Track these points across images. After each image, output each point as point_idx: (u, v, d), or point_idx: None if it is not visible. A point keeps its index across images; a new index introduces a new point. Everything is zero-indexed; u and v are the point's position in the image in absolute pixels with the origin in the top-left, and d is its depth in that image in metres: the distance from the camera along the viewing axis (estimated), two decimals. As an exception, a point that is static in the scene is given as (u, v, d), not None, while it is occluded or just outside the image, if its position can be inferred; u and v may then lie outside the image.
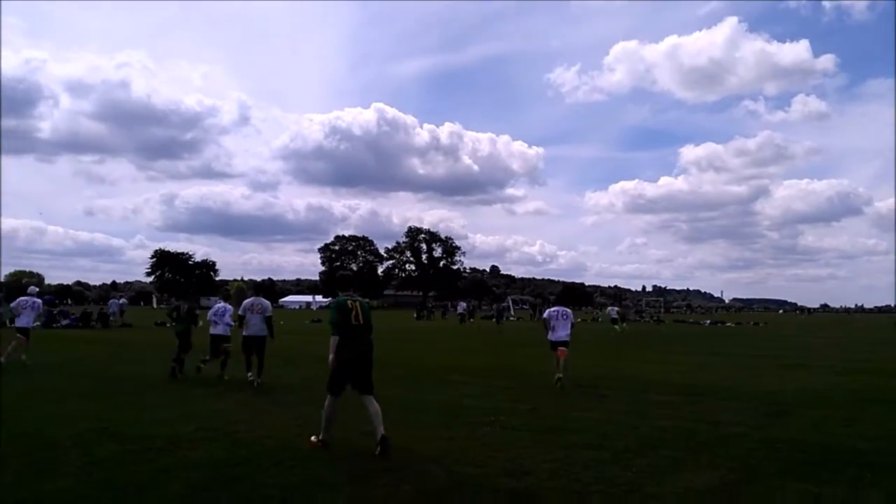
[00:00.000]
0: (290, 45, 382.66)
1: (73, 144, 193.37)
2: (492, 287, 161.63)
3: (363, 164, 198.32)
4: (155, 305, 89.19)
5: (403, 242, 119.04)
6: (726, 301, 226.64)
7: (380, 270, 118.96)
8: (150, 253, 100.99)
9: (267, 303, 11.79)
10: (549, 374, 12.46)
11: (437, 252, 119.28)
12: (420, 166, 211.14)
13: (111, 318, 34.57)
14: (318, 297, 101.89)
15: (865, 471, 5.82)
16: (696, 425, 7.96)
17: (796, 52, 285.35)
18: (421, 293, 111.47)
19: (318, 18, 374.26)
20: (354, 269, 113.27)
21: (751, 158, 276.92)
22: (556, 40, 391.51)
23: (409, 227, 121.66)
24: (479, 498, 4.93)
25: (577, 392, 10.81)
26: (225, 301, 12.89)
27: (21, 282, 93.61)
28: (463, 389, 11.07)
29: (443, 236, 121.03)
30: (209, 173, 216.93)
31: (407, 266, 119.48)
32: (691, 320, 60.24)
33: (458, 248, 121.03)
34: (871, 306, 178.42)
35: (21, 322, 14.23)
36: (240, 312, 11.67)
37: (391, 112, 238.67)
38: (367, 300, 7.31)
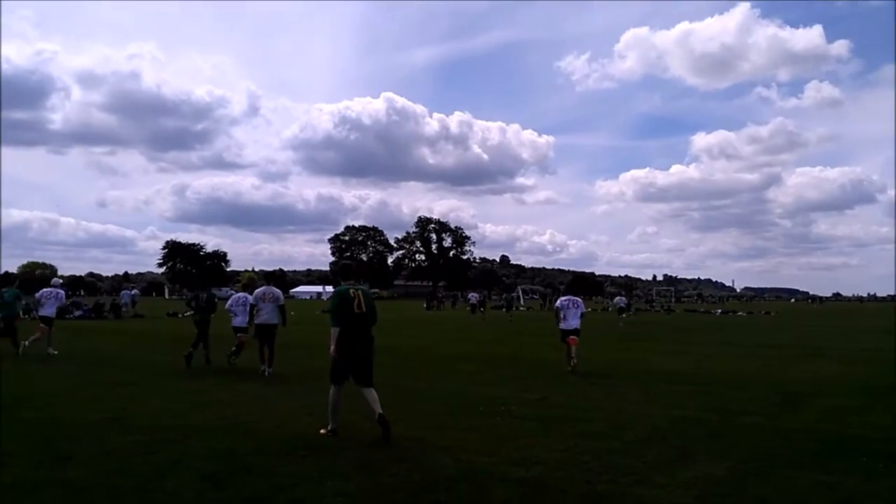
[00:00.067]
0: (299, 35, 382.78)
1: (84, 136, 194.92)
2: (502, 277, 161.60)
3: (373, 154, 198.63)
4: (167, 296, 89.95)
5: (413, 232, 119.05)
6: (738, 290, 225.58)
7: (390, 261, 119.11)
8: (161, 244, 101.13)
9: (279, 292, 11.96)
10: (559, 364, 12.49)
11: (447, 242, 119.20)
12: (430, 156, 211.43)
13: (123, 309, 34.85)
14: (329, 288, 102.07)
15: (879, 461, 5.78)
16: (706, 415, 7.93)
17: (809, 37, 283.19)
18: (431, 283, 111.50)
19: (326, 7, 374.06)
20: (364, 259, 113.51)
21: (763, 146, 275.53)
22: (567, 28, 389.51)
23: (419, 217, 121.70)
24: (489, 487, 4.93)
25: (586, 382, 10.79)
26: (244, 291, 12.91)
27: (34, 273, 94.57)
28: (472, 379, 11.09)
29: (453, 226, 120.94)
30: (220, 164, 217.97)
31: (417, 256, 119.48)
32: (702, 310, 59.97)
33: (468, 238, 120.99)
34: (885, 295, 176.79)
35: (44, 312, 14.51)
36: (251, 301, 11.80)
37: (400, 101, 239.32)
38: (372, 289, 7.33)
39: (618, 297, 36.99)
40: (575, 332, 12.22)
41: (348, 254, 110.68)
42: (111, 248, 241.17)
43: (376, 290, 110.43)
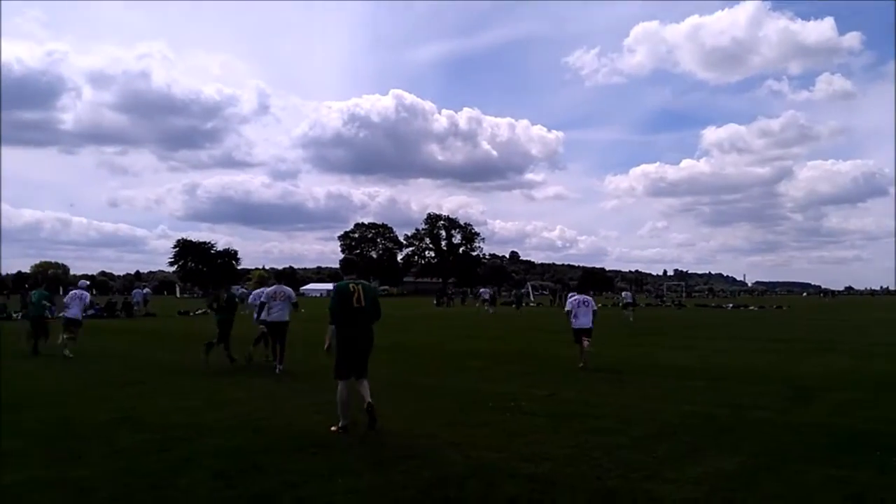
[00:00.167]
0: (308, 33, 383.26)
1: (95, 136, 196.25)
2: (511, 273, 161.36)
3: (382, 152, 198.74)
4: (178, 294, 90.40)
5: (423, 229, 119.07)
6: (749, 285, 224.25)
7: (399, 258, 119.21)
8: (172, 243, 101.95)
9: (290, 290, 12.12)
10: (568, 360, 12.48)
11: (457, 238, 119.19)
12: (439, 152, 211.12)
13: (135, 308, 35.07)
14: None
15: (891, 455, 5.73)
16: (717, 410, 7.89)
17: (821, 30, 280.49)
18: (440, 280, 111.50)
19: (335, 5, 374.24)
20: (374, 256, 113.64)
21: (774, 139, 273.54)
22: (575, 22, 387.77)
23: (429, 213, 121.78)
24: (498, 483, 4.93)
25: (596, 377, 10.77)
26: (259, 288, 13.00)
27: (47, 272, 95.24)
28: (482, 375, 11.10)
29: (462, 222, 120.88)
30: (230, 162, 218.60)
31: (426, 253, 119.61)
32: (713, 304, 59.69)
33: (478, 235, 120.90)
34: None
35: (69, 314, 14.66)
36: (262, 299, 11.91)
37: (409, 98, 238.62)
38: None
39: (624, 293, 36.85)
40: (587, 330, 12.22)
41: (358, 251, 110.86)
42: (123, 248, 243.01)
43: (386, 286, 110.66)
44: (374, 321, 6.97)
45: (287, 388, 9.57)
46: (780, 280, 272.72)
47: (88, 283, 16.83)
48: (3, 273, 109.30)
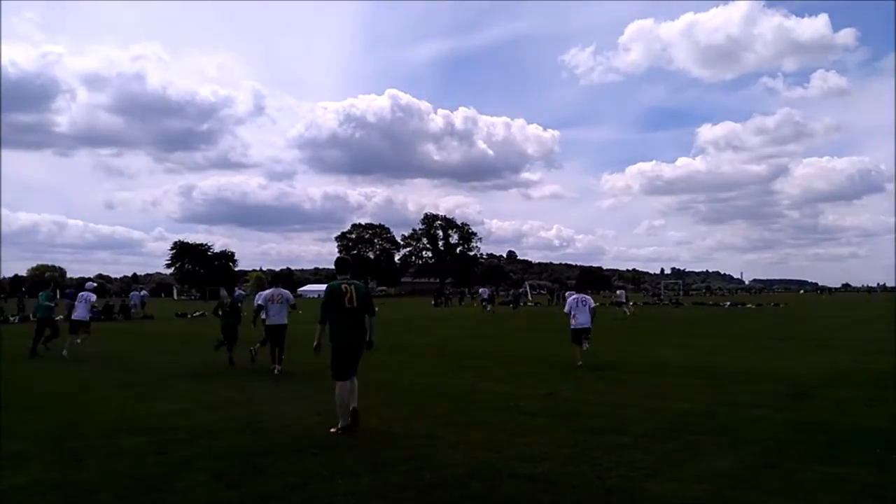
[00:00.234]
0: (303, 33, 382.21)
1: (90, 138, 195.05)
2: (509, 272, 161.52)
3: (378, 152, 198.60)
4: (175, 297, 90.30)
5: (420, 229, 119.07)
6: (746, 282, 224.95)
7: (397, 258, 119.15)
8: (169, 245, 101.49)
9: (287, 293, 12.18)
10: (567, 360, 12.50)
11: (454, 238, 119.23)
12: (435, 152, 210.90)
13: (132, 310, 35.04)
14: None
15: (892, 452, 5.74)
16: (716, 408, 7.91)
17: (815, 26, 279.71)
18: (438, 280, 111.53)
19: (330, 5, 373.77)
20: (371, 257, 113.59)
21: (770, 137, 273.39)
22: (570, 21, 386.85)
23: (425, 213, 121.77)
24: (498, 483, 4.93)
25: (594, 376, 10.78)
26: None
27: (44, 276, 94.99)
28: (480, 375, 11.10)
29: (459, 222, 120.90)
30: (226, 164, 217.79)
31: (423, 253, 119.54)
32: (711, 302, 59.74)
33: (475, 234, 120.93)
34: (894, 285, 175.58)
35: (76, 315, 15.01)
36: (260, 302, 11.91)
37: (405, 98, 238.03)
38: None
39: (619, 291, 36.97)
40: (586, 330, 12.31)
41: (355, 251, 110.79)
42: (119, 250, 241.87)
43: (384, 287, 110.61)
44: (370, 317, 6.99)
45: (286, 390, 9.57)
46: (778, 277, 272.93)
47: (95, 285, 17.18)
48: (2, 276, 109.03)
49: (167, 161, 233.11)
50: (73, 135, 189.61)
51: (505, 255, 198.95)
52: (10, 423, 7.25)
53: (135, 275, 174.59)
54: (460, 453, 5.81)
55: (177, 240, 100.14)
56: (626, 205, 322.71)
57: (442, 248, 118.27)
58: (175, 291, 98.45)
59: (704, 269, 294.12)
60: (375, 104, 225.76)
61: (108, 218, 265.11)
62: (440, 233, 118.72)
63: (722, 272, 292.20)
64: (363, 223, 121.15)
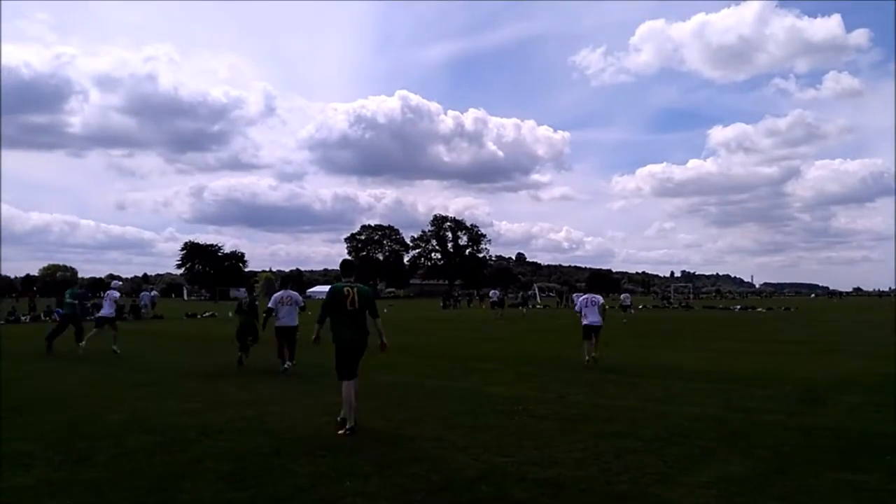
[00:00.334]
0: (314, 34, 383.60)
1: (103, 139, 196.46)
2: (518, 275, 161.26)
3: (388, 153, 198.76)
4: (186, 297, 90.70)
5: (429, 231, 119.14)
6: (757, 286, 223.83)
7: (406, 259, 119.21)
8: (180, 245, 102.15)
9: (297, 295, 12.29)
10: (576, 362, 12.49)
11: (463, 240, 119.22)
12: (445, 154, 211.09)
13: (143, 310, 35.19)
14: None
15: (903, 459, 5.68)
16: (727, 413, 7.85)
17: (828, 27, 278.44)
18: (447, 282, 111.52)
19: (340, 6, 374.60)
20: (381, 258, 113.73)
21: (781, 138, 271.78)
22: (581, 22, 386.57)
23: (435, 215, 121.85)
24: (508, 487, 4.91)
25: (604, 379, 10.73)
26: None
27: (55, 275, 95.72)
28: (489, 378, 11.07)
29: (468, 224, 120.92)
30: (236, 165, 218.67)
31: (433, 255, 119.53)
32: (721, 306, 59.46)
33: (484, 236, 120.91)
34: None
35: (102, 312, 15.67)
36: (270, 305, 11.98)
37: (415, 99, 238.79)
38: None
39: (623, 295, 36.80)
40: (596, 327, 12.60)
41: (364, 253, 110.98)
42: (130, 250, 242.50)
43: (392, 288, 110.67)
44: (375, 319, 7.11)
45: (295, 391, 9.57)
46: (789, 281, 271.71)
47: (121, 283, 17.74)
48: (12, 276, 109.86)
49: (178, 162, 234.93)
50: (85, 136, 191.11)
51: (514, 257, 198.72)
52: (20, 423, 7.29)
53: (145, 275, 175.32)
54: (469, 456, 5.80)
55: (187, 240, 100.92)
56: (637, 207, 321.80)
57: (451, 250, 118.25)
58: (185, 292, 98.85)
59: (715, 273, 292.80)
60: (385, 105, 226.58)
61: (119, 218, 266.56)
62: (449, 234, 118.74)
63: (732, 275, 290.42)
64: (373, 224, 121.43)
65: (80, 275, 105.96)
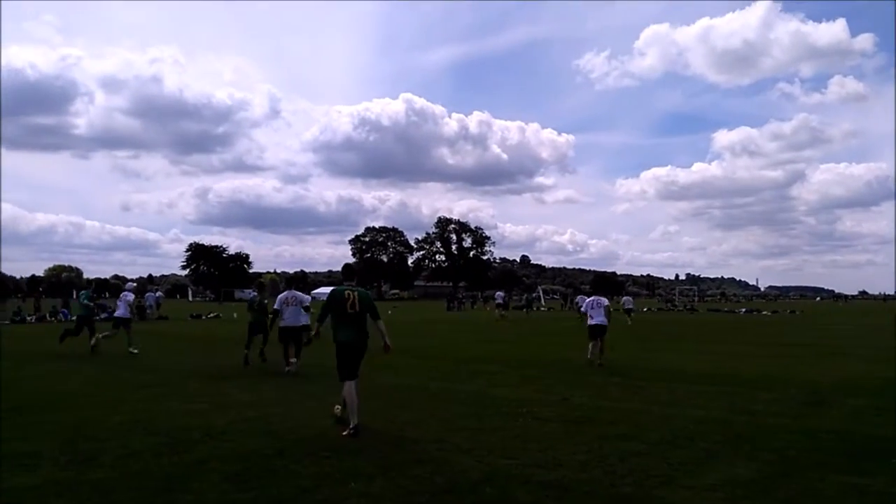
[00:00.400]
0: (318, 36, 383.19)
1: (108, 140, 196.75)
2: (522, 277, 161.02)
3: (392, 155, 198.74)
4: (190, 298, 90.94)
5: (433, 233, 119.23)
6: (762, 289, 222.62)
7: (410, 261, 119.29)
8: (185, 246, 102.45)
9: (301, 295, 12.42)
10: (580, 364, 12.47)
11: (467, 242, 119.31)
12: (449, 156, 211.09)
13: (148, 311, 35.24)
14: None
15: (909, 462, 5.66)
16: (732, 416, 7.84)
17: (833, 31, 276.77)
18: (451, 284, 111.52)
19: (345, 8, 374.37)
20: (385, 260, 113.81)
21: (786, 142, 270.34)
22: (585, 25, 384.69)
23: (439, 217, 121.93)
24: (512, 489, 4.91)
25: (609, 382, 10.72)
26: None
27: (61, 276, 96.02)
28: (494, 380, 11.06)
29: (472, 226, 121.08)
30: (241, 167, 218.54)
31: (437, 257, 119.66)
32: (726, 309, 59.27)
33: (488, 239, 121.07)
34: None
35: (118, 313, 16.00)
36: (275, 306, 12.05)
37: (419, 102, 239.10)
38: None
39: (625, 298, 36.70)
40: (603, 328, 12.85)
41: (368, 255, 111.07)
42: (135, 251, 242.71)
43: (396, 290, 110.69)
44: (377, 321, 7.23)
45: (299, 392, 9.59)
46: (793, 284, 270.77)
47: (135, 285, 17.91)
48: (18, 277, 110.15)
49: (183, 163, 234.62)
50: (90, 137, 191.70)
51: (518, 260, 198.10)
52: (26, 423, 7.31)
53: (150, 276, 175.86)
54: (473, 458, 5.80)
55: (192, 241, 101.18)
56: (641, 210, 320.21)
57: (455, 252, 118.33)
58: (190, 293, 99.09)
59: (719, 276, 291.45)
60: (390, 108, 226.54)
61: (124, 219, 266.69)
62: (454, 237, 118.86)
63: (737, 278, 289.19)
64: (377, 226, 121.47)
65: (84, 276, 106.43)
